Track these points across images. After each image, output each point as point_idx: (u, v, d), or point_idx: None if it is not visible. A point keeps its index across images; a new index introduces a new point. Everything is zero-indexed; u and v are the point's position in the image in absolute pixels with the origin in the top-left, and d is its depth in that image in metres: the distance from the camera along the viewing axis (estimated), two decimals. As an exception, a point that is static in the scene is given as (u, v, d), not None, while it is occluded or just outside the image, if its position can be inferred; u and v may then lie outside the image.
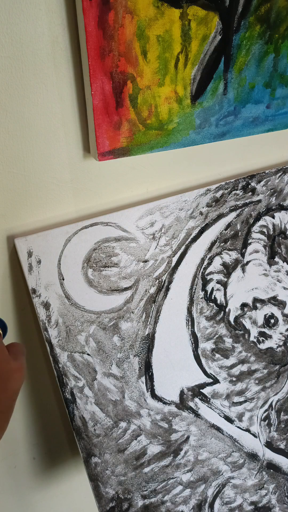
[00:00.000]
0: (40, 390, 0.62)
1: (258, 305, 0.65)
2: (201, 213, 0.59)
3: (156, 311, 0.57)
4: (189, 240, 0.59)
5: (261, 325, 0.66)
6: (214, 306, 0.62)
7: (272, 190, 0.65)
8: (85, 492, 0.78)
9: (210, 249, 0.61)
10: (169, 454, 0.58)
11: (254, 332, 0.65)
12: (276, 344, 0.67)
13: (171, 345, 0.58)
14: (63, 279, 0.50)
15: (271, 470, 0.66)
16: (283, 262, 0.67)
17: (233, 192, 0.61)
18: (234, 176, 0.64)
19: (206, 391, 0.61)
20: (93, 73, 0.41)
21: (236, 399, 0.63)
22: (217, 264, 0.61)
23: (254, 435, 0.64)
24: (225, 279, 0.62)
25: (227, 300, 0.63)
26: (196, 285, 0.60)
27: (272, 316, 0.66)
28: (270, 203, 0.66)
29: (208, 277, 0.61)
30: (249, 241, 0.64)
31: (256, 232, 0.64)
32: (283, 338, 0.68)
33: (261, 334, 0.66)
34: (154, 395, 0.57)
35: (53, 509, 0.78)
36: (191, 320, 0.60)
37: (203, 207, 0.59)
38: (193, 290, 0.60)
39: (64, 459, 0.72)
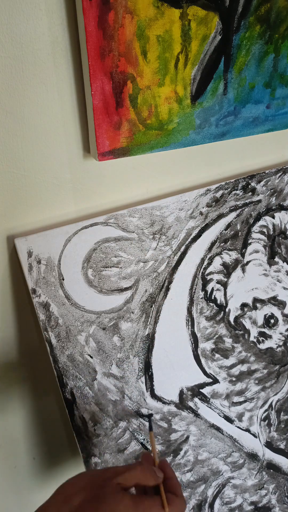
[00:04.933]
0: (40, 390, 0.62)
1: (258, 305, 0.65)
2: (201, 213, 0.59)
3: (156, 311, 0.57)
4: (189, 240, 0.59)
5: (261, 325, 0.66)
6: (214, 306, 0.62)
7: (272, 190, 0.65)
8: (85, 492, 0.78)
9: (210, 249, 0.61)
10: (168, 454, 0.58)
11: (254, 332, 0.65)
12: (276, 344, 0.67)
13: (171, 345, 0.58)
14: (63, 279, 0.50)
15: (271, 470, 0.66)
16: (283, 262, 0.67)
17: (233, 192, 0.61)
18: (234, 176, 0.64)
19: (206, 391, 0.61)
20: (93, 73, 0.41)
21: (236, 399, 0.63)
22: (217, 264, 0.61)
23: (254, 435, 0.64)
24: (225, 279, 0.62)
25: (227, 300, 0.63)
26: (196, 285, 0.60)
27: (272, 316, 0.66)
28: (270, 203, 0.66)
29: (208, 277, 0.61)
30: (249, 241, 0.64)
31: (256, 232, 0.64)
32: (283, 338, 0.68)
33: (261, 334, 0.66)
34: (153, 395, 0.57)
35: (53, 509, 0.78)
36: (191, 320, 0.60)
37: (203, 207, 0.59)
38: (193, 290, 0.60)
39: (64, 459, 0.72)
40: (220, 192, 0.60)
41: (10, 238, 0.49)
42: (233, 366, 0.63)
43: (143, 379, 0.56)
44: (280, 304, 0.67)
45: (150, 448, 0.44)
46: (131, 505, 0.34)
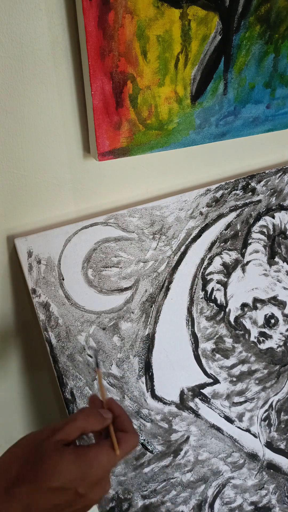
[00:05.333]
0: (40, 390, 0.62)
1: (258, 305, 0.65)
2: (201, 213, 0.59)
3: (156, 311, 0.57)
4: (189, 240, 0.59)
5: (261, 325, 0.66)
6: (214, 306, 0.61)
7: (272, 190, 0.65)
8: (85, 492, 0.78)
9: (210, 249, 0.61)
10: (169, 454, 0.58)
11: (254, 332, 0.65)
12: (276, 344, 0.67)
13: (171, 345, 0.58)
14: (63, 279, 0.50)
15: (271, 470, 0.66)
16: (283, 262, 0.67)
17: (233, 192, 0.61)
18: (234, 176, 0.64)
19: (206, 391, 0.61)
20: (93, 73, 0.41)
21: (236, 399, 0.63)
22: (217, 264, 0.61)
23: (254, 435, 0.64)
24: (225, 279, 0.62)
25: (227, 300, 0.63)
26: (196, 285, 0.60)
27: (272, 316, 0.66)
28: (270, 203, 0.66)
29: (208, 277, 0.61)
30: (249, 241, 0.64)
31: (256, 232, 0.64)
32: (283, 338, 0.67)
33: (261, 334, 0.66)
34: (154, 395, 0.57)
35: (53, 510, 0.78)
36: (191, 320, 0.60)
37: (203, 207, 0.59)
38: (193, 290, 0.60)
39: (64, 459, 0.72)
40: (220, 192, 0.60)
41: (10, 238, 0.49)
42: (233, 366, 0.63)
43: (143, 379, 0.56)
44: (280, 304, 0.67)
45: (99, 391, 0.41)
46: (74, 459, 0.32)
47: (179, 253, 0.58)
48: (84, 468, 0.32)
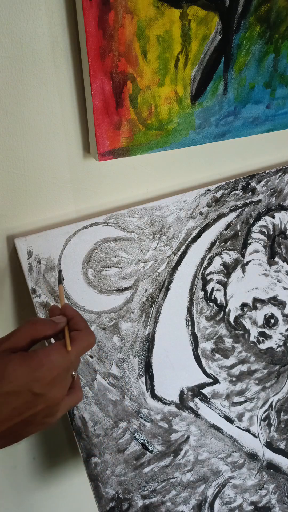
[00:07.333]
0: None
1: (258, 305, 0.65)
2: (201, 213, 0.59)
3: (156, 311, 0.57)
4: (189, 240, 0.59)
5: (261, 325, 0.66)
6: (214, 306, 0.62)
7: (272, 190, 0.65)
8: (85, 492, 0.78)
9: (210, 249, 0.61)
10: (169, 454, 0.58)
11: (254, 332, 0.65)
12: (276, 344, 0.67)
13: (171, 345, 0.58)
14: (63, 279, 0.50)
15: (271, 470, 0.66)
16: (283, 262, 0.67)
17: (233, 192, 0.61)
18: (234, 176, 0.64)
19: (206, 391, 0.61)
20: (93, 73, 0.41)
21: (236, 399, 0.63)
22: (217, 264, 0.61)
23: (254, 435, 0.64)
24: (225, 279, 0.62)
25: (227, 300, 0.63)
26: (196, 285, 0.60)
27: (272, 316, 0.66)
28: (270, 203, 0.66)
29: (208, 277, 0.61)
30: (249, 241, 0.64)
31: (256, 232, 0.64)
32: (283, 338, 0.68)
33: (261, 334, 0.66)
34: (154, 395, 0.57)
35: (53, 509, 0.78)
36: (191, 320, 0.60)
37: (203, 207, 0.59)
38: (193, 290, 0.60)
39: (64, 459, 0.72)
40: (220, 192, 0.60)
41: (10, 238, 0.49)
42: (233, 366, 0.63)
43: (143, 379, 0.56)
44: (280, 304, 0.67)
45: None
46: (21, 361, 0.32)
47: (179, 253, 0.58)
48: (34, 368, 0.32)
